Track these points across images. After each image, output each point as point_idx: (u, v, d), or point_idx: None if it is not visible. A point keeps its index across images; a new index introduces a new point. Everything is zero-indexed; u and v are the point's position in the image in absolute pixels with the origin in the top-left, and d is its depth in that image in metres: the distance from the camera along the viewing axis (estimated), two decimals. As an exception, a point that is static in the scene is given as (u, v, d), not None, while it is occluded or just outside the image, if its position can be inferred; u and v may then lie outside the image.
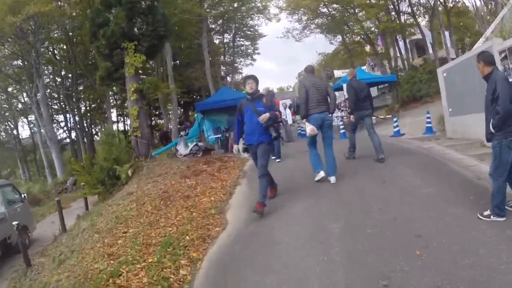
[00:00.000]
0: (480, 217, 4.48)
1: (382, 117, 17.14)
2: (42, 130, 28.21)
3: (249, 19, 35.92)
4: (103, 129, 34.61)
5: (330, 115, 7.25)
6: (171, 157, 16.18)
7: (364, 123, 9.03)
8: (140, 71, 14.06)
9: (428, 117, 11.99)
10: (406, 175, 6.81)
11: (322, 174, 7.15)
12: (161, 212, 7.00)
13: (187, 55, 34.57)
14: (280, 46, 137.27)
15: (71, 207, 14.91)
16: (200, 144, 15.15)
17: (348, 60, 32.23)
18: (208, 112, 18.07)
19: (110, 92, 37.52)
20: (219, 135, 16.45)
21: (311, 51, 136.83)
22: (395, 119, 12.90)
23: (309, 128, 6.96)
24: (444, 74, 11.11)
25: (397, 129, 12.71)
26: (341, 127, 14.97)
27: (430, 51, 28.36)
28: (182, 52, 34.54)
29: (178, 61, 37.57)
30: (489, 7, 27.13)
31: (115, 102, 45.92)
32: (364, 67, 36.50)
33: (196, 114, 17.16)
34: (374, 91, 26.79)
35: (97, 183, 11.93)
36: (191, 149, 14.93)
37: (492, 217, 4.41)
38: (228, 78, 41.45)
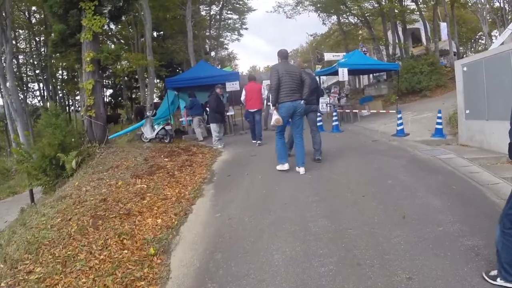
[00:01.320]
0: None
1: (368, 111, 15.25)
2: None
3: (238, -10, 33.59)
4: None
5: (303, 102, 6.93)
6: (137, 140, 14.08)
7: (307, 118, 8.13)
8: (100, 37, 11.67)
9: (439, 117, 10.31)
10: (432, 209, 4.83)
11: (286, 166, 7.14)
12: (86, 238, 4.85)
13: (170, 26, 32.01)
14: (270, 25, 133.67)
15: (26, 191, 12.74)
16: (167, 127, 13.02)
17: (343, 42, 29.97)
18: (183, 89, 15.95)
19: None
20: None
21: (301, 33, 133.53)
22: (399, 116, 10.93)
23: (275, 118, 6.83)
24: (464, 69, 9.26)
25: (401, 127, 10.85)
26: (334, 118, 12.91)
27: (425, 42, 26.79)
28: (167, 23, 31.93)
29: (162, 32, 35.66)
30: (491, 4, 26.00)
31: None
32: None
33: (167, 92, 14.95)
34: (367, 79, 24.96)
35: (39, 173, 9.78)
36: (157, 133, 12.87)
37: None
38: (213, 54, 38.96)
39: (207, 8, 36.33)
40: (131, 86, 42.18)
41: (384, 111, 14.44)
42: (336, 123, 12.55)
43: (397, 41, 24.36)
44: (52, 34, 11.51)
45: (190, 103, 13.77)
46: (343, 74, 13.83)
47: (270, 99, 8.29)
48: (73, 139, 10.13)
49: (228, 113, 14.16)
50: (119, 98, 42.46)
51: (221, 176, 7.43)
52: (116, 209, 5.77)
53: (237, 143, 11.70)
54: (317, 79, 11.06)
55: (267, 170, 7.42)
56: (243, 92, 11.66)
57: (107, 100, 45.30)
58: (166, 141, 12.57)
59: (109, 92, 46.01)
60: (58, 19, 11.34)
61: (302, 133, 7.15)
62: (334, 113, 12.77)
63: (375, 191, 5.64)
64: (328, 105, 19.78)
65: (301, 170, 6.91)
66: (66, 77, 37.17)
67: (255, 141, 10.99)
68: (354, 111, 15.17)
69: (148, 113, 13.46)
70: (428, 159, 7.58)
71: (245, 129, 14.34)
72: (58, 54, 13.37)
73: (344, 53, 35.70)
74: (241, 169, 7.84)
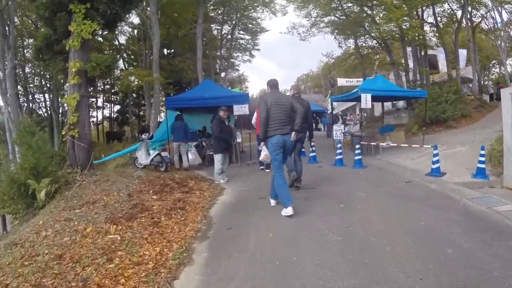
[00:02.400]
0: None
1: (388, 143, 13.54)
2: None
3: (252, 10, 32.47)
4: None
5: (294, 134, 6.48)
6: (131, 165, 12.51)
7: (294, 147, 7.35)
8: (90, 45, 10.16)
9: (483, 155, 8.64)
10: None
11: (291, 211, 5.92)
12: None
13: (181, 44, 31.45)
14: (283, 48, 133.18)
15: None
16: (164, 154, 11.40)
17: (359, 67, 28.42)
18: (187, 110, 14.43)
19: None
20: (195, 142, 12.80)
21: (314, 57, 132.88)
22: (435, 152, 9.25)
23: (264, 154, 6.40)
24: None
25: (437, 165, 9.18)
26: (357, 151, 11.10)
27: (444, 69, 25.39)
28: (178, 41, 31.44)
29: (172, 50, 35.09)
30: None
31: (102, 86, 42.75)
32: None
33: (166, 112, 13.42)
34: (388, 105, 23.26)
35: (8, 199, 8.26)
36: (152, 160, 11.28)
37: None
38: (223, 74, 37.71)
39: (219, 27, 35.47)
40: (139, 103, 41.18)
41: (406, 145, 12.65)
42: (359, 157, 10.87)
43: (417, 66, 22.79)
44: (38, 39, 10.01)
45: (171, 126, 12.29)
46: (366, 100, 12.23)
47: None
48: (52, 162, 8.63)
49: (235, 140, 12.55)
50: (126, 115, 41.14)
51: (220, 228, 5.71)
52: (70, 276, 4.12)
53: (244, 176, 10.08)
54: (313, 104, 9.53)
55: (280, 223, 5.71)
56: (255, 115, 10.68)
57: (114, 116, 44.51)
58: (162, 169, 10.97)
59: (116, 108, 45.19)
60: (45, 23, 10.01)
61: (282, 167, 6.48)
62: (357, 146, 11.06)
63: (435, 268, 3.91)
64: (344, 133, 18.20)
65: (272, 202, 6.63)
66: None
67: (262, 168, 10.71)
68: (375, 143, 13.39)
69: (143, 136, 11.89)
70: (484, 212, 5.91)
71: (253, 159, 12.65)
72: (41, 62, 11.77)
73: (358, 79, 34.84)
74: (246, 218, 6.11)
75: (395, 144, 13.37)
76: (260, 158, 6.82)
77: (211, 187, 8.43)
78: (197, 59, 24.09)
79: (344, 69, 31.10)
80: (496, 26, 26.19)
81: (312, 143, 11.96)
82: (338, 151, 11.22)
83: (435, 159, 9.22)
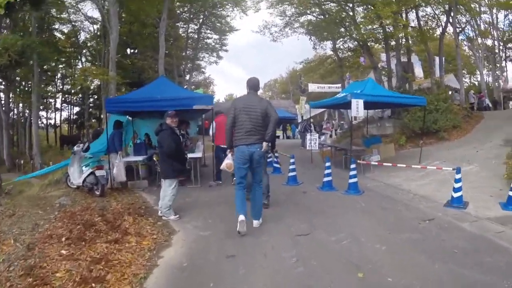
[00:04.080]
0: None
1: (376, 158, 11.40)
2: None
3: (221, 9, 30.46)
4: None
5: (262, 146, 5.65)
6: (64, 183, 9.86)
7: None
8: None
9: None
10: None
11: (242, 217, 5.44)
12: None
13: (144, 42, 29.30)
14: (251, 54, 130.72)
15: None
16: (99, 173, 8.52)
17: (337, 71, 26.28)
18: (139, 114, 11.87)
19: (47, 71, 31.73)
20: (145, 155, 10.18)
21: (282, 63, 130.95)
22: (458, 177, 7.06)
23: (226, 162, 5.95)
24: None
25: (459, 194, 7.02)
26: (352, 172, 8.61)
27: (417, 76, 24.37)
28: (141, 40, 29.17)
29: (136, 50, 32.93)
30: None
31: (60, 86, 39.47)
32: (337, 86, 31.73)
33: (109, 117, 10.73)
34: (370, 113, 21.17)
35: None
36: (84, 180, 8.53)
37: None
38: (188, 77, 35.26)
39: (185, 26, 33.03)
40: (100, 105, 37.96)
41: (404, 165, 10.36)
42: (355, 179, 8.47)
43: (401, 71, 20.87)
44: None
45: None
46: (358, 107, 10.00)
47: None
48: None
49: (193, 155, 9.95)
50: (82, 118, 38.05)
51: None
52: None
53: (204, 207, 7.41)
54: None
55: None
56: (213, 125, 9.97)
57: (73, 118, 41.19)
58: (97, 193, 8.28)
59: (76, 109, 42.01)
60: None
61: (260, 182, 6.00)
62: (352, 165, 8.61)
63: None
64: (318, 144, 16.01)
65: (255, 223, 5.85)
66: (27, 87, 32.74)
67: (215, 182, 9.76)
68: (364, 162, 11.05)
69: (75, 148, 8.98)
70: None
71: (217, 179, 10.07)
72: None
73: (330, 85, 33.17)
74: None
75: (378, 160, 11.31)
76: (221, 167, 6.15)
77: (155, 228, 5.83)
78: (159, 57, 21.80)
79: (320, 73, 28.99)
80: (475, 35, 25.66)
81: (276, 155, 11.33)
82: (327, 171, 8.85)
83: (457, 185, 7.03)
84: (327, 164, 8.90)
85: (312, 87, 32.75)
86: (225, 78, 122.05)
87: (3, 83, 28.65)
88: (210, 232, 5.73)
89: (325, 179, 8.85)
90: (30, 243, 4.87)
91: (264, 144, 5.66)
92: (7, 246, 4.87)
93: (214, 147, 10.00)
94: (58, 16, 27.85)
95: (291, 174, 9.86)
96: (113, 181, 9.30)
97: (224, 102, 43.06)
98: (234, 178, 7.48)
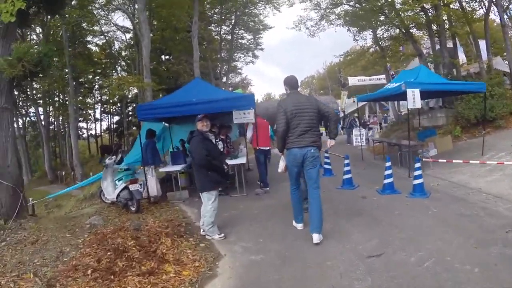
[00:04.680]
0: None
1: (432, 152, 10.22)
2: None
3: (252, 7, 29.98)
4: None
5: (316, 147, 5.25)
6: (99, 198, 9.33)
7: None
8: (14, 34, 6.95)
9: None
10: None
11: (300, 226, 5.58)
12: None
13: (177, 48, 28.92)
14: (286, 53, 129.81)
15: None
16: (133, 187, 7.66)
17: (379, 62, 24.69)
18: (174, 120, 11.16)
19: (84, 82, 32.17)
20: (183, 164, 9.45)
21: (319, 59, 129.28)
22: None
23: (281, 165, 5.69)
24: None
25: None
26: (417, 172, 7.47)
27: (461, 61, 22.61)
28: (174, 45, 28.85)
29: (170, 57, 32.54)
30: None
31: (99, 97, 39.96)
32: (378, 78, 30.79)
33: (143, 125, 10.02)
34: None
35: None
36: (118, 196, 7.83)
37: None
38: (225, 80, 34.64)
39: (217, 28, 32.59)
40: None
41: (476, 161, 9.13)
42: (420, 180, 7.36)
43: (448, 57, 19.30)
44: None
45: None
46: (414, 97, 8.90)
47: None
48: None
49: (235, 162, 8.96)
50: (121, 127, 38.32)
51: None
52: None
53: (253, 223, 6.50)
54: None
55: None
56: (251, 127, 9.19)
57: (113, 127, 41.56)
58: (132, 209, 7.61)
59: (116, 118, 42.46)
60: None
61: (318, 188, 5.28)
62: (417, 164, 7.54)
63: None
64: (366, 139, 14.93)
65: (315, 237, 4.99)
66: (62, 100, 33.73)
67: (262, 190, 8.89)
68: (429, 159, 9.86)
69: (107, 161, 8.30)
70: None
71: (265, 186, 9.14)
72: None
73: (371, 77, 31.65)
74: None
75: (436, 153, 10.18)
76: (279, 170, 5.80)
77: (197, 252, 5.02)
78: (193, 61, 21.08)
79: (362, 65, 27.51)
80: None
81: (326, 155, 10.66)
82: (387, 171, 7.79)
83: None
84: (387, 164, 7.84)
85: (353, 81, 32.29)
86: (262, 77, 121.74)
87: (22, 96, 29.38)
88: (263, 256, 4.83)
89: (386, 180, 7.80)
90: (52, 278, 4.20)
91: (330, 141, 5.54)
92: (26, 281, 4.23)
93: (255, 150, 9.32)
94: (90, 28, 28.00)
95: (346, 176, 8.83)
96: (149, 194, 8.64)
97: (263, 102, 42.32)
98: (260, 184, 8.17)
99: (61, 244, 5.46)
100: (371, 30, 22.64)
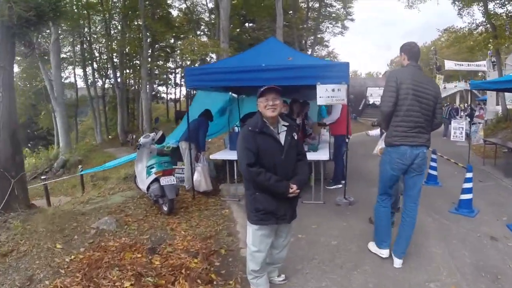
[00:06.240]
0: None
1: None
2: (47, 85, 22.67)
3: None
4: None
5: (428, 149, 3.91)
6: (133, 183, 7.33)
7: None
8: None
9: None
10: None
11: (385, 253, 4.03)
12: None
13: (260, 13, 27.33)
14: (375, 28, 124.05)
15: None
16: (165, 180, 5.43)
17: (491, 42, 20.14)
18: (245, 90, 8.66)
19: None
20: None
21: (410, 38, 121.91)
22: None
23: (380, 147, 4.68)
24: None
25: None
26: None
27: None
28: (258, 11, 27.29)
29: (254, 24, 31.27)
30: None
31: (180, 62, 39.36)
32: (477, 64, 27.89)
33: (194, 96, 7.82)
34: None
35: None
36: (148, 187, 5.75)
37: None
38: (310, 52, 32.21)
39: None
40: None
41: None
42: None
43: None
44: None
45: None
46: None
47: None
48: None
49: (314, 157, 6.26)
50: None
51: None
52: None
53: (331, 265, 3.92)
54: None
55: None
56: (338, 106, 7.01)
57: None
58: (165, 209, 5.50)
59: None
60: None
61: (417, 201, 3.92)
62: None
63: None
64: (469, 133, 11.87)
65: (397, 262, 3.86)
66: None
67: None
68: None
69: (142, 139, 6.22)
70: None
71: (349, 192, 6.41)
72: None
73: (471, 62, 28.27)
74: None
75: None
76: (374, 151, 4.85)
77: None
78: (276, 27, 19.42)
79: (468, 46, 23.41)
80: None
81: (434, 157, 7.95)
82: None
83: None
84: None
85: (449, 64, 29.63)
86: (349, 53, 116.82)
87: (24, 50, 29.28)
88: None
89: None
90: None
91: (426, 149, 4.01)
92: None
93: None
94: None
95: (464, 196, 5.73)
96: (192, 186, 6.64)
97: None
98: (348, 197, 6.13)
99: (39, 263, 3.62)
100: (481, 4, 18.47)
